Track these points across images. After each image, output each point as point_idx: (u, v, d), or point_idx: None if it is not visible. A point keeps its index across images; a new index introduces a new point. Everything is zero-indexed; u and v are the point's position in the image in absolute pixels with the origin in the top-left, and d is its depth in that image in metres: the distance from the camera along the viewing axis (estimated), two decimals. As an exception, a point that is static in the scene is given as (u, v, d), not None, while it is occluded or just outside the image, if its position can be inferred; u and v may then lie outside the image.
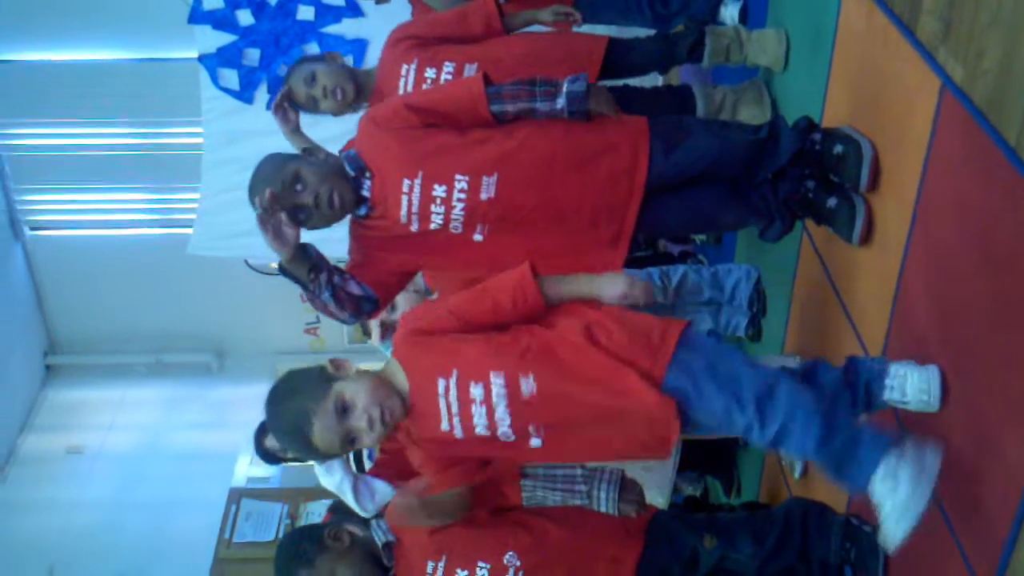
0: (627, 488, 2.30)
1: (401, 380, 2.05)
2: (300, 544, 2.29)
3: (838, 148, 2.41)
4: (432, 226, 2.51)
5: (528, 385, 1.97)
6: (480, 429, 2.01)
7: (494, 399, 1.98)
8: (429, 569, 2.29)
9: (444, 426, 2.03)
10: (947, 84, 1.95)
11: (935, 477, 1.82)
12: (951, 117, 1.96)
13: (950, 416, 2.00)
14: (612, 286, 2.07)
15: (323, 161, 2.54)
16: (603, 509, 2.25)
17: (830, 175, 2.47)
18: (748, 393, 1.91)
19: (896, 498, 1.81)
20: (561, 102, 2.40)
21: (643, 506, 2.31)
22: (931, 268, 2.10)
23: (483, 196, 2.44)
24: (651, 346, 1.96)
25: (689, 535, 2.33)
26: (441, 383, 2.01)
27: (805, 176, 2.55)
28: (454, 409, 2.01)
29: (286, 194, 2.45)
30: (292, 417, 2.01)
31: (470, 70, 2.91)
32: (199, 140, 5.05)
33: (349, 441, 2.01)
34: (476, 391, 1.99)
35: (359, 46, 4.57)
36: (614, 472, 2.29)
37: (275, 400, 2.07)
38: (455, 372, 2.00)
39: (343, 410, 1.98)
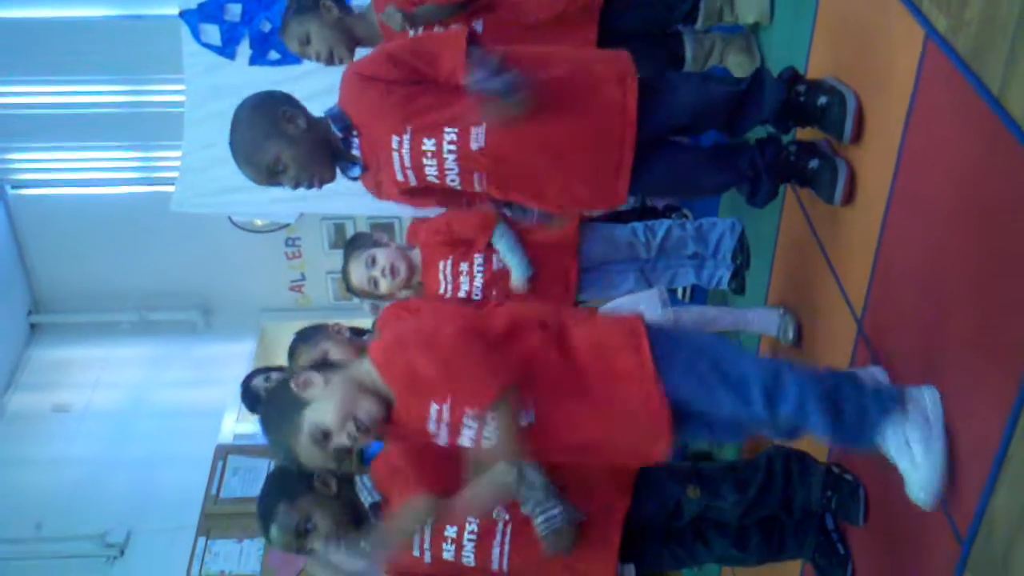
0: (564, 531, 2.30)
1: (379, 381, 2.00)
2: (288, 478, 2.33)
3: (822, 99, 2.41)
4: (429, 179, 2.52)
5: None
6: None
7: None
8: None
9: (431, 427, 2.00)
10: (931, 34, 1.95)
11: (942, 424, 1.88)
12: (934, 68, 1.96)
13: (929, 361, 2.02)
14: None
15: (304, 135, 2.50)
16: (537, 523, 2.27)
17: (814, 126, 2.48)
18: (756, 389, 1.92)
19: (915, 464, 1.89)
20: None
21: (569, 550, 2.31)
22: (913, 219, 2.11)
23: (473, 146, 2.43)
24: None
25: (674, 485, 2.36)
26: (434, 407, 1.96)
27: (789, 127, 2.56)
28: (444, 422, 1.97)
29: (267, 175, 2.52)
30: (282, 459, 2.04)
31: (477, 27, 2.89)
32: (181, 97, 5.02)
33: (347, 452, 1.99)
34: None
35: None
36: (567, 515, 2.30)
37: (266, 434, 2.08)
38: (450, 398, 1.94)
39: (322, 437, 1.96)
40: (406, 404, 1.98)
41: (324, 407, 1.95)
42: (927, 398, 1.92)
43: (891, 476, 2.21)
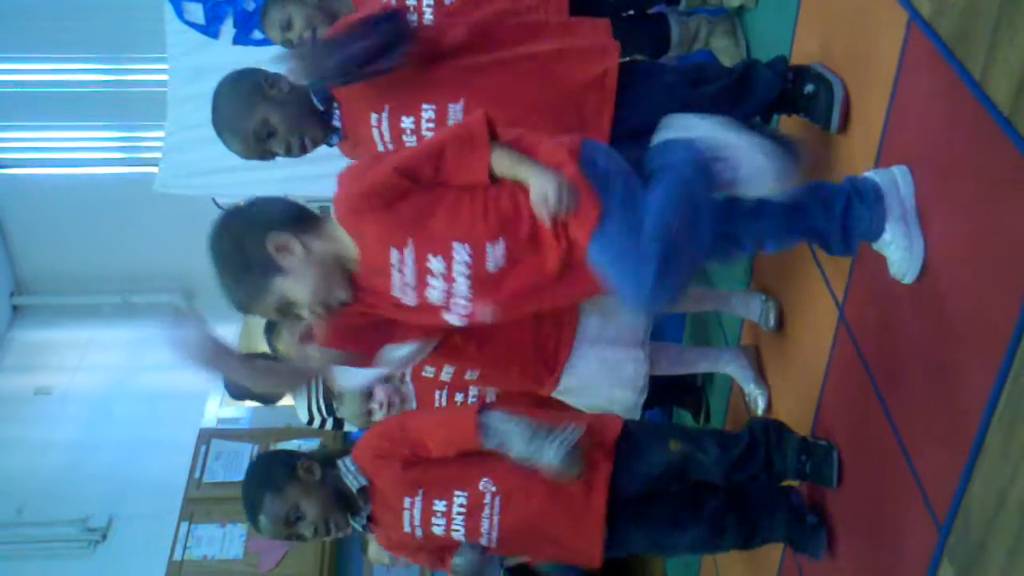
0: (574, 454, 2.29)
1: (347, 246, 1.98)
2: (272, 468, 2.33)
3: (809, 87, 2.38)
4: None
5: (495, 257, 1.95)
6: (435, 299, 2.01)
7: (455, 272, 1.96)
8: (407, 504, 2.32)
9: (395, 293, 2.01)
10: (914, 18, 1.93)
11: (913, 201, 1.94)
12: (917, 52, 1.95)
13: (911, 343, 2.02)
14: (542, 182, 1.89)
15: (288, 97, 2.48)
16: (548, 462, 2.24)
17: (800, 114, 2.45)
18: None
19: (897, 248, 1.94)
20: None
21: (582, 473, 2.30)
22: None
23: (451, 122, 2.42)
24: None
25: (657, 446, 2.36)
26: (394, 254, 1.96)
27: (772, 116, 2.54)
28: (409, 279, 1.97)
29: (255, 143, 2.47)
30: (233, 301, 1.98)
31: None
32: (165, 77, 4.97)
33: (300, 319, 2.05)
34: (436, 263, 1.96)
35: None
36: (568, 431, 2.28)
37: (219, 271, 1.98)
38: (411, 243, 1.95)
39: (286, 307, 1.97)
40: (367, 256, 1.98)
41: (299, 283, 1.94)
42: (900, 179, 1.97)
43: (867, 454, 2.22)
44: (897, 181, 1.97)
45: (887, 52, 2.07)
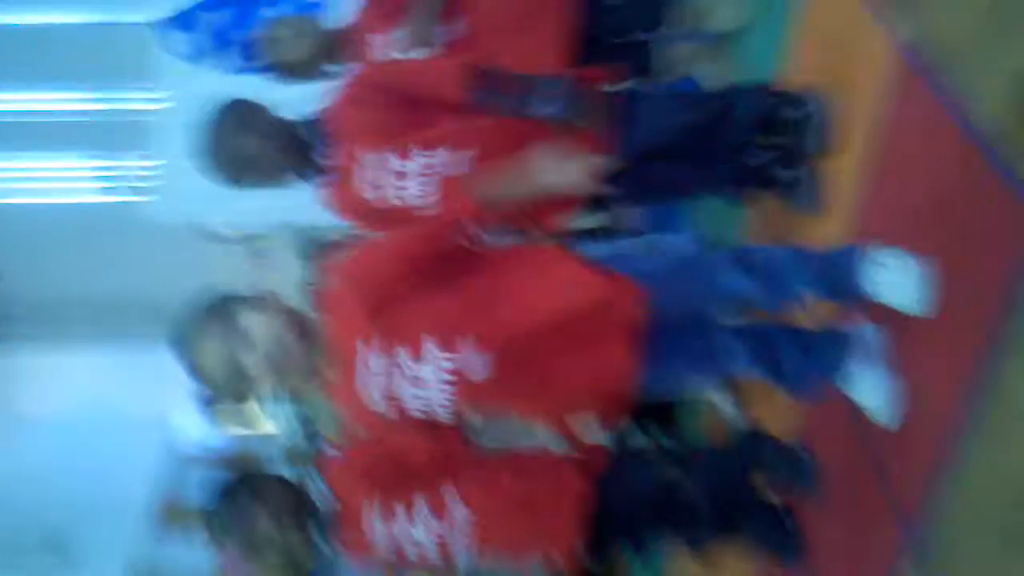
0: None
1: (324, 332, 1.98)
2: (235, 486, 2.23)
3: (795, 112, 2.41)
4: (393, 201, 2.44)
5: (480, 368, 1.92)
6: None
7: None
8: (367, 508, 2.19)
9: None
10: (899, 44, 2.01)
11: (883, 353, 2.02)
12: (902, 76, 2.02)
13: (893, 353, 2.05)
14: (553, 170, 1.92)
15: (271, 130, 2.47)
16: None
17: (786, 139, 2.47)
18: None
19: (867, 398, 2.03)
20: (551, 110, 2.34)
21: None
22: (881, 229, 2.14)
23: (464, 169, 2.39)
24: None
25: (649, 476, 2.37)
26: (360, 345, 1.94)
27: (760, 140, 2.58)
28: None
29: (233, 171, 2.47)
30: (181, 328, 1.94)
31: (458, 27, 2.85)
32: (150, 106, 5.01)
33: (237, 373, 1.91)
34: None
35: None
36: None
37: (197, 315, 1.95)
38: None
39: (239, 340, 1.90)
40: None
41: (264, 322, 1.92)
42: (870, 337, 2.04)
43: (840, 463, 2.27)
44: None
45: (872, 76, 2.14)
